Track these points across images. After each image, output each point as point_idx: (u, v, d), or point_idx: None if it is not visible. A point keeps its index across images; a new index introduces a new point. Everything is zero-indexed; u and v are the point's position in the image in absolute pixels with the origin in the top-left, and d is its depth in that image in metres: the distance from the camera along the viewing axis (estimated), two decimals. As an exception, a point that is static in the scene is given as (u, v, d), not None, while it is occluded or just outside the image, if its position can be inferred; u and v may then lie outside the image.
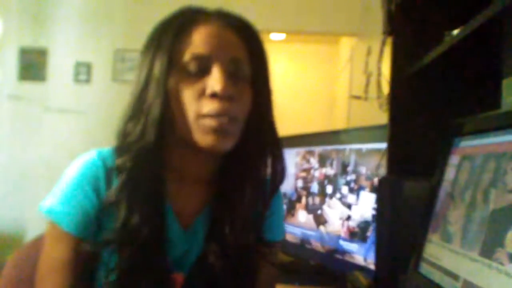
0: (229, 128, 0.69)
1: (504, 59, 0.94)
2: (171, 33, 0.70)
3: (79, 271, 0.70)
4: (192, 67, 0.69)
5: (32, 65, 3.38)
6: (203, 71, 0.69)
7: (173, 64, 0.69)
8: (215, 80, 0.68)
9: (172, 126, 0.70)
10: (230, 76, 0.70)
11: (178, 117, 0.69)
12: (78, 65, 3.38)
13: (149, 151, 0.69)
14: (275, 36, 4.04)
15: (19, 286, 0.87)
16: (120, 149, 0.71)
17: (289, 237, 1.59)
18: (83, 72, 3.38)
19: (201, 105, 0.68)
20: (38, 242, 0.75)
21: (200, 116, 0.68)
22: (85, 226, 0.70)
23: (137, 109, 0.70)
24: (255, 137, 0.74)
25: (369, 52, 2.59)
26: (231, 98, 0.68)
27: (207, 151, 0.70)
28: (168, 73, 0.69)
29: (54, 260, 0.70)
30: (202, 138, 0.69)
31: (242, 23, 0.75)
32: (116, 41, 3.35)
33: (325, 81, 4.59)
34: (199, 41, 0.69)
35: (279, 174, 0.78)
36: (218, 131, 0.68)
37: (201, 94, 0.69)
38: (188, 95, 0.68)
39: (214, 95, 0.68)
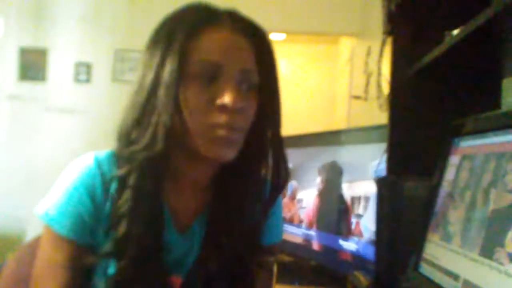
0: (235, 138, 0.68)
1: (504, 59, 0.94)
2: (182, 35, 0.66)
3: (74, 274, 0.70)
4: (202, 74, 0.66)
5: (32, 65, 3.38)
6: (212, 79, 0.66)
7: (182, 69, 0.66)
8: (225, 92, 0.65)
9: (176, 132, 0.67)
10: (239, 86, 0.67)
11: (185, 124, 0.66)
12: (78, 65, 3.38)
13: (155, 161, 0.67)
14: (275, 36, 4.04)
15: (19, 286, 0.86)
16: (122, 157, 0.69)
17: (289, 237, 1.59)
18: (83, 72, 3.38)
19: (210, 115, 0.66)
20: (38, 242, 0.75)
21: (209, 126, 0.66)
22: (80, 230, 0.69)
23: (144, 115, 0.67)
24: (257, 144, 0.73)
25: (369, 52, 2.58)
26: (240, 110, 0.67)
27: (211, 159, 0.69)
28: (179, 78, 0.66)
29: (49, 263, 0.70)
30: (208, 147, 0.67)
31: (253, 28, 0.71)
32: (116, 41, 3.35)
33: (325, 81, 4.59)
34: (209, 47, 0.66)
35: (281, 181, 0.76)
36: (225, 142, 0.67)
37: (210, 103, 0.66)
38: (196, 103, 0.66)
39: (223, 107, 0.65)
